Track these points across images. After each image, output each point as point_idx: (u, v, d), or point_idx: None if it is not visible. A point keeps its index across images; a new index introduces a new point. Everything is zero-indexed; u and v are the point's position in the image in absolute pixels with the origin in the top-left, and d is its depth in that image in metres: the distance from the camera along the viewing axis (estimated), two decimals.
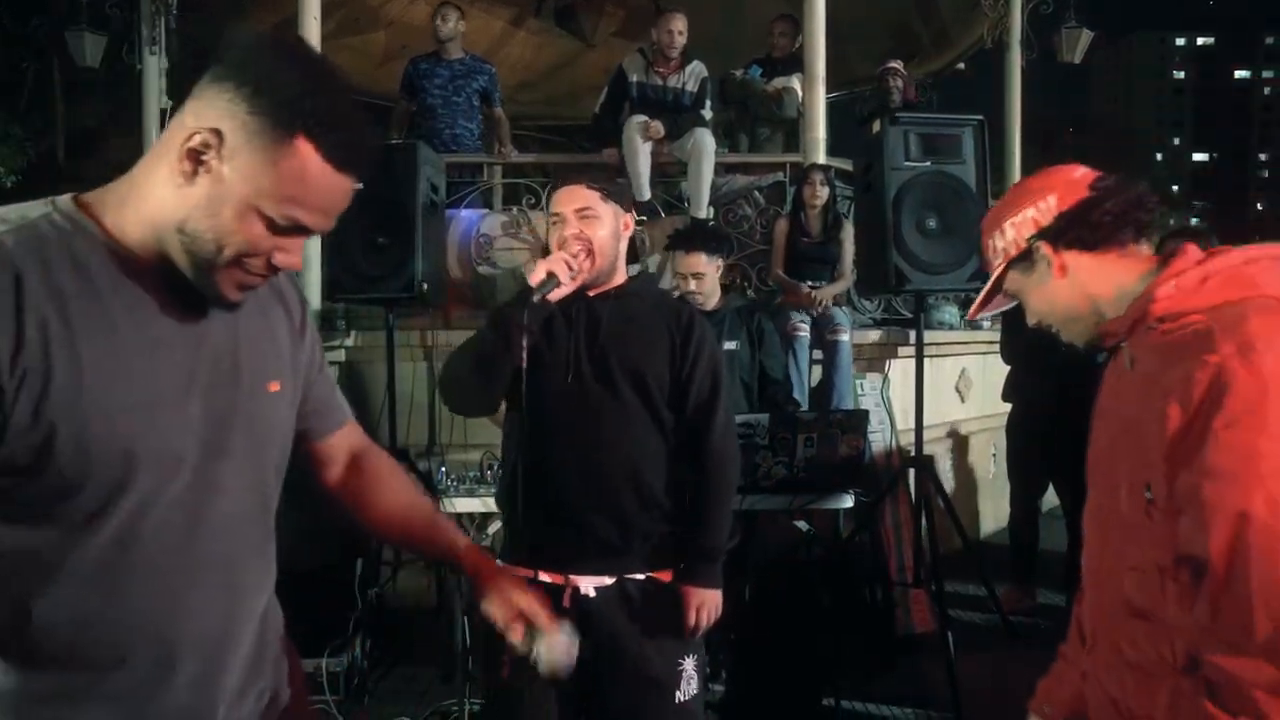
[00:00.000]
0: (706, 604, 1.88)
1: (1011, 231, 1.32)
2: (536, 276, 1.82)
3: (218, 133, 0.93)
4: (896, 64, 5.74)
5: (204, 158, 0.93)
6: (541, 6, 7.55)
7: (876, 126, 3.48)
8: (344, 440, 1.31)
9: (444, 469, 2.83)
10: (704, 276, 3.38)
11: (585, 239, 1.85)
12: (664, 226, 4.77)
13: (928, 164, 3.37)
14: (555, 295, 1.83)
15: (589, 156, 5.26)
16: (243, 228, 0.95)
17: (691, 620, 1.86)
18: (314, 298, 4.47)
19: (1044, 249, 1.29)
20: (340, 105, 0.97)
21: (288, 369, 1.17)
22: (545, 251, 2.03)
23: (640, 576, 1.87)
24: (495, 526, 2.83)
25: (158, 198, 0.96)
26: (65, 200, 1.00)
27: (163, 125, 5.58)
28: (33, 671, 0.96)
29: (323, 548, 3.52)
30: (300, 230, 0.98)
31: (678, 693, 1.87)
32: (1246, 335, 1.08)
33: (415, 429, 4.16)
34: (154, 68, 5.67)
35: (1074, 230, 1.27)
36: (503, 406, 2.01)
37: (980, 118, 3.48)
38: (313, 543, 3.54)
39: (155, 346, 0.98)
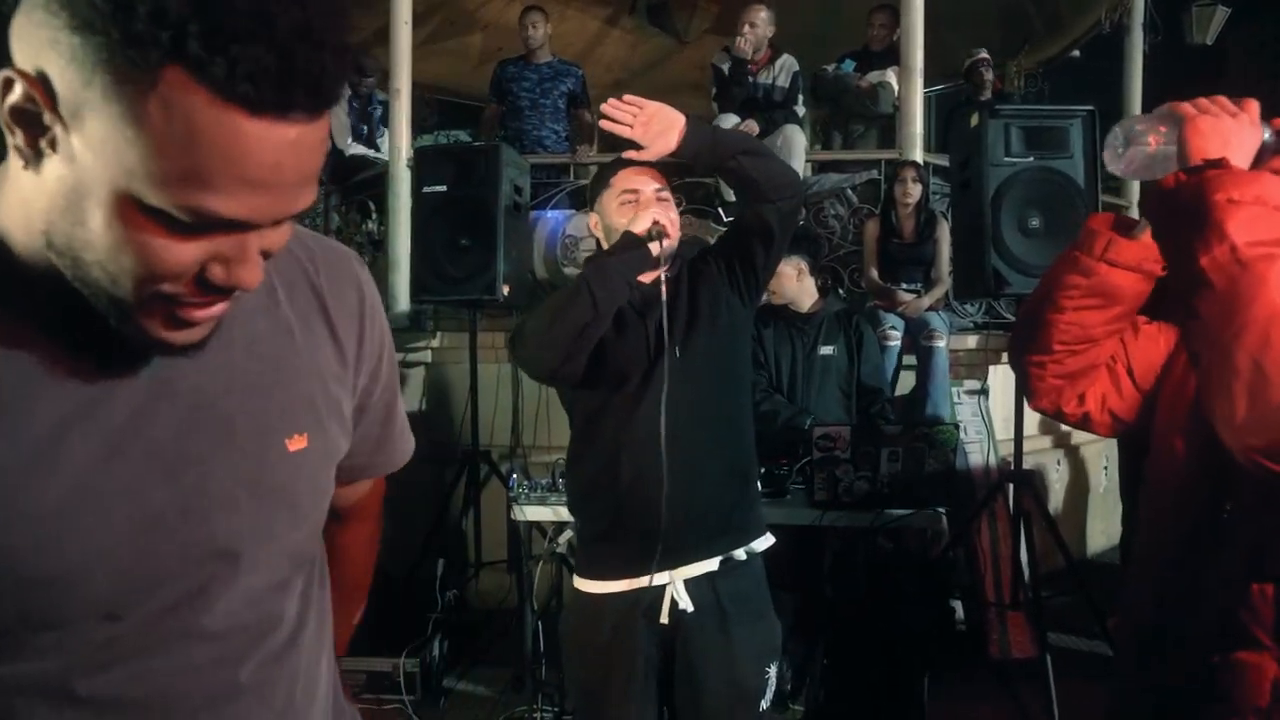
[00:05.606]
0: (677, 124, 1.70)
1: None
2: (642, 225, 1.72)
3: (42, 80, 0.56)
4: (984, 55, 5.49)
5: (44, 122, 0.57)
6: (635, 4, 7.52)
7: (975, 120, 3.27)
8: (360, 491, 1.02)
9: (514, 476, 2.80)
10: (778, 276, 3.27)
11: (667, 218, 1.78)
12: None
13: (1030, 159, 3.16)
14: (657, 251, 1.73)
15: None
16: (129, 237, 0.58)
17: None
18: (402, 299, 4.56)
19: None
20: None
21: (326, 413, 0.82)
22: (598, 246, 1.92)
23: (741, 555, 1.83)
24: (567, 535, 2.79)
25: (18, 189, 0.62)
26: None
27: None
28: None
29: (404, 548, 3.58)
30: (223, 225, 0.59)
31: (763, 701, 1.87)
32: None
33: (498, 430, 4.18)
34: None
35: None
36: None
37: (1090, 109, 3.23)
38: (394, 543, 3.60)
39: (80, 414, 0.66)
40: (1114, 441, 4.15)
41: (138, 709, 0.72)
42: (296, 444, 0.78)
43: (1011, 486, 3.38)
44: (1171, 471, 1.13)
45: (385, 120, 5.53)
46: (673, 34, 7.44)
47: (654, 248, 1.73)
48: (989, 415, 4.23)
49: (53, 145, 0.57)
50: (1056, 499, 4.82)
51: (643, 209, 1.78)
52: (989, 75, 5.32)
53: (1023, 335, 1.24)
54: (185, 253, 0.60)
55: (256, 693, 0.78)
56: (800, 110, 4.86)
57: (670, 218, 1.79)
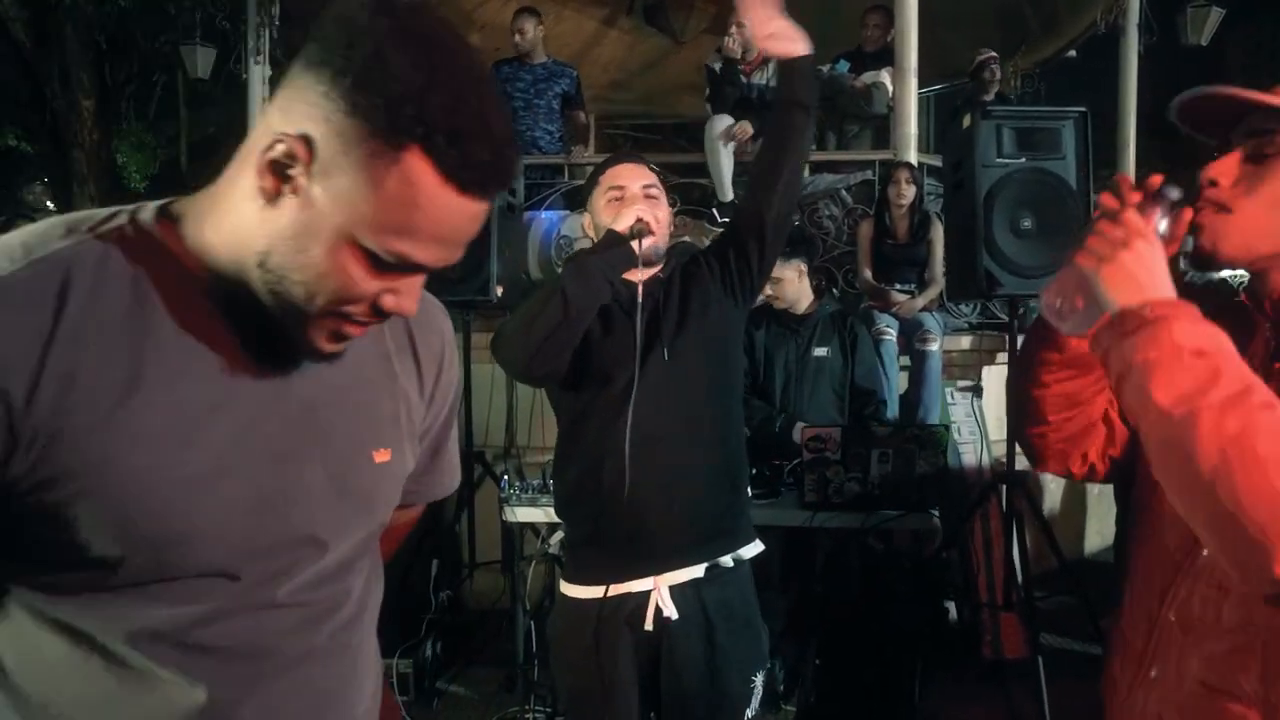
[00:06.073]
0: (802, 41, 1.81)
1: None
2: (624, 223, 1.70)
3: (307, 141, 0.71)
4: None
5: (290, 172, 0.72)
6: (632, 5, 7.52)
7: (967, 121, 3.28)
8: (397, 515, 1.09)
9: (506, 477, 2.80)
10: (781, 281, 3.27)
11: (652, 215, 1.76)
12: None
13: (1023, 160, 3.17)
14: (640, 249, 1.72)
15: (663, 156, 5.18)
16: (338, 267, 0.74)
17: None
18: None
19: None
20: (469, 105, 0.71)
21: (405, 436, 0.96)
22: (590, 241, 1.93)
23: (728, 562, 1.81)
24: (559, 536, 2.79)
25: (239, 216, 0.76)
26: (150, 208, 0.81)
27: None
28: None
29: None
30: (411, 268, 0.76)
31: (748, 710, 1.86)
32: None
33: (493, 431, 4.18)
34: (258, 76, 5.88)
35: None
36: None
37: (1082, 110, 3.23)
38: None
39: (223, 401, 0.80)
40: None
41: (239, 659, 0.84)
42: (382, 456, 0.92)
43: (1004, 487, 3.39)
44: (1155, 510, 1.13)
45: None
46: (669, 34, 7.44)
47: (637, 246, 1.71)
48: (982, 415, 4.23)
49: (294, 191, 0.72)
50: (1053, 499, 4.83)
51: (627, 206, 1.76)
52: (998, 74, 5.31)
53: (1017, 412, 1.26)
54: (375, 284, 0.76)
55: (334, 655, 0.92)
56: None
57: (656, 215, 1.76)
